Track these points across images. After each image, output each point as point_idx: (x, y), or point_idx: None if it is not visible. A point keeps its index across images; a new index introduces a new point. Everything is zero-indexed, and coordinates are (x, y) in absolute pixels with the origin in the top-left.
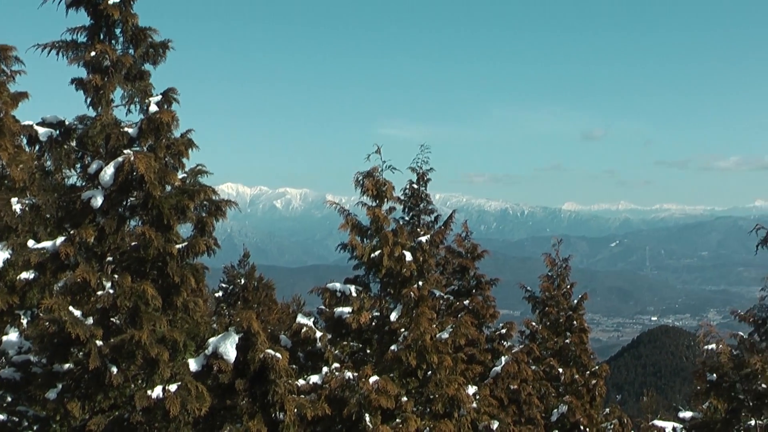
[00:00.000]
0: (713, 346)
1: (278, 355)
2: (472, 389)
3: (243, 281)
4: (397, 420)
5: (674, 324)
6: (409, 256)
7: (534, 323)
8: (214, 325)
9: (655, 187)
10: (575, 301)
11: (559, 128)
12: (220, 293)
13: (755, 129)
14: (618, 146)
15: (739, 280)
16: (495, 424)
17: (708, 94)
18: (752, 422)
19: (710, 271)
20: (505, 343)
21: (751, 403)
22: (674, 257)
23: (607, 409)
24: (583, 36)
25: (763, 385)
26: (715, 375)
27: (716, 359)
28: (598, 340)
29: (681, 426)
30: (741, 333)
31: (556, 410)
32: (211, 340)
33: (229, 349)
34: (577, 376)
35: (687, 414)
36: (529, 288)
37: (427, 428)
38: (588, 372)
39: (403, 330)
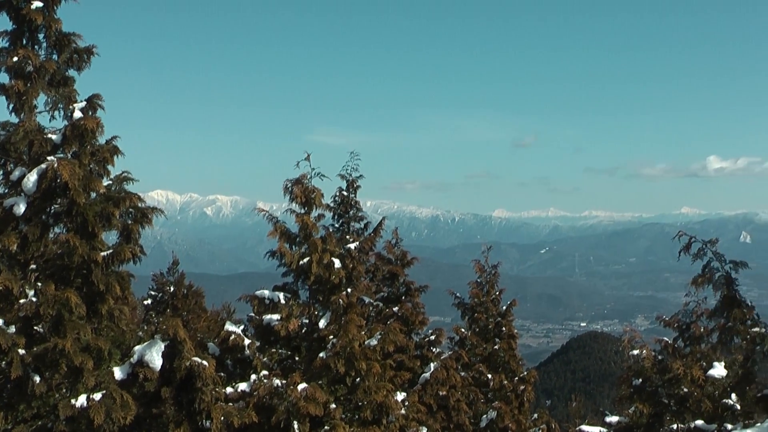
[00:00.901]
0: (638, 351)
1: (205, 362)
2: (400, 396)
3: (172, 289)
4: (326, 427)
5: (603, 330)
6: (338, 263)
7: (463, 330)
8: (140, 333)
9: (585, 194)
10: (504, 308)
11: (490, 136)
12: (149, 301)
13: (682, 137)
14: (548, 154)
15: (666, 286)
16: (423, 431)
17: (636, 103)
18: (675, 426)
19: (638, 277)
20: (434, 349)
21: (674, 408)
22: (603, 263)
23: (536, 415)
24: (514, 45)
25: (685, 389)
26: (639, 380)
27: (640, 364)
28: (528, 346)
29: (607, 430)
30: (666, 338)
31: (485, 416)
32: (137, 347)
33: (155, 356)
34: (505, 382)
35: (613, 418)
36: (458, 294)
37: None
38: (517, 378)
39: (331, 337)
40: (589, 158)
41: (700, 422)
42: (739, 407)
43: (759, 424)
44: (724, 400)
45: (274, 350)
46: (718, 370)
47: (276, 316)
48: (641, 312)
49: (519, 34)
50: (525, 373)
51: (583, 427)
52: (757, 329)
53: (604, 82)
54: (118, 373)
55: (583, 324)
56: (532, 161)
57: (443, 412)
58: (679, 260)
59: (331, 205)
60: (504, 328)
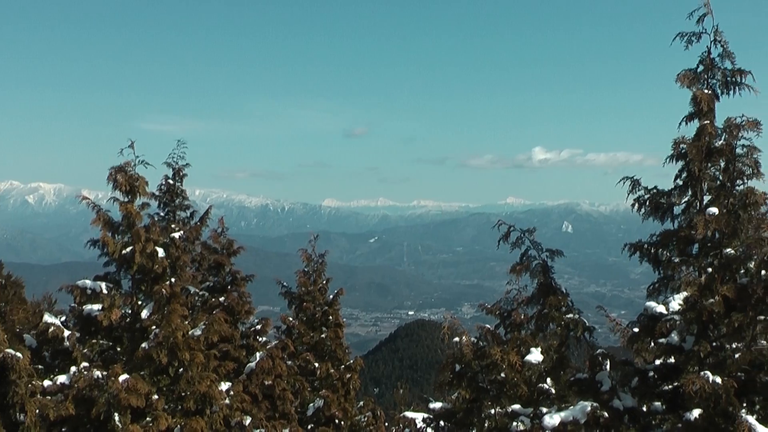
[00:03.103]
0: (459, 338)
1: (19, 354)
2: (225, 386)
3: None
4: (148, 419)
5: (430, 318)
6: (161, 253)
7: (290, 319)
8: None
9: (414, 184)
10: (331, 297)
11: (322, 125)
12: None
13: (509, 128)
14: (380, 144)
15: (492, 274)
16: (248, 420)
17: (465, 94)
18: (492, 411)
19: (465, 266)
20: (260, 339)
21: (493, 392)
22: (431, 253)
23: (362, 402)
24: (346, 34)
25: (503, 375)
26: (460, 366)
27: (460, 351)
28: (356, 335)
29: (430, 416)
30: (488, 325)
31: (311, 405)
32: None
33: None
34: (332, 371)
35: (437, 404)
36: (285, 284)
37: (178, 426)
38: (343, 366)
39: (154, 327)
40: (420, 149)
41: (517, 406)
42: (554, 391)
43: (572, 407)
44: (540, 385)
45: (95, 341)
46: (535, 355)
47: (97, 306)
48: (467, 300)
49: (353, 21)
50: (351, 361)
51: (407, 413)
52: (570, 315)
53: (435, 73)
54: None
55: (411, 312)
56: (363, 151)
57: (268, 401)
58: (498, 249)
59: (157, 193)
60: (331, 317)
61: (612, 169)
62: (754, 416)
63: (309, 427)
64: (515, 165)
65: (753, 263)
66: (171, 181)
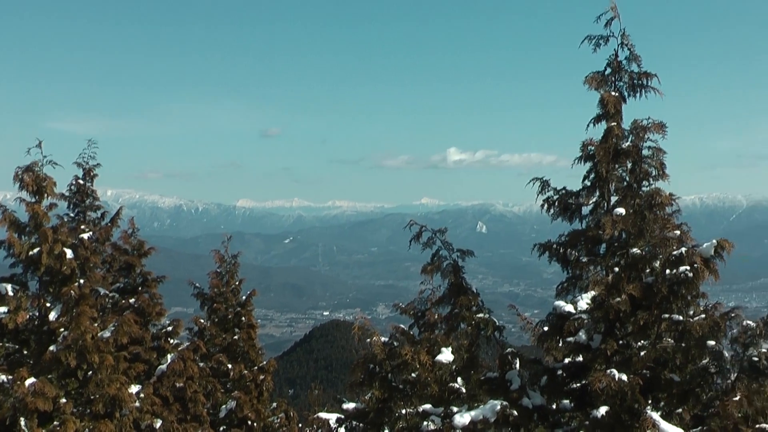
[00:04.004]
0: (376, 338)
1: None
2: (135, 388)
3: None
4: (55, 422)
5: (345, 318)
6: (70, 254)
7: (202, 320)
8: None
9: (329, 184)
10: (244, 298)
11: (237, 125)
12: None
13: (424, 129)
14: (295, 144)
15: (407, 274)
16: (158, 423)
17: (380, 96)
18: (404, 410)
19: (380, 267)
20: (171, 340)
21: (406, 392)
22: (346, 253)
23: (275, 404)
24: (260, 30)
25: (414, 375)
26: (373, 366)
27: (371, 351)
28: (271, 336)
29: (343, 416)
30: (402, 325)
31: (224, 406)
32: None
33: None
34: (245, 372)
35: (350, 405)
36: (198, 285)
37: (87, 429)
38: (256, 367)
39: (62, 330)
40: (335, 149)
41: (428, 406)
42: (464, 390)
43: (482, 406)
44: (450, 384)
45: (0, 344)
46: (446, 355)
47: (3, 309)
48: (382, 300)
49: (265, 16)
50: (265, 362)
51: (321, 414)
52: (481, 315)
53: (349, 73)
54: None
55: (326, 313)
56: (278, 151)
57: (180, 403)
58: (410, 249)
59: (66, 194)
60: (244, 318)
61: (526, 169)
62: (659, 412)
63: (221, 429)
64: (430, 166)
65: (658, 262)
66: (81, 182)
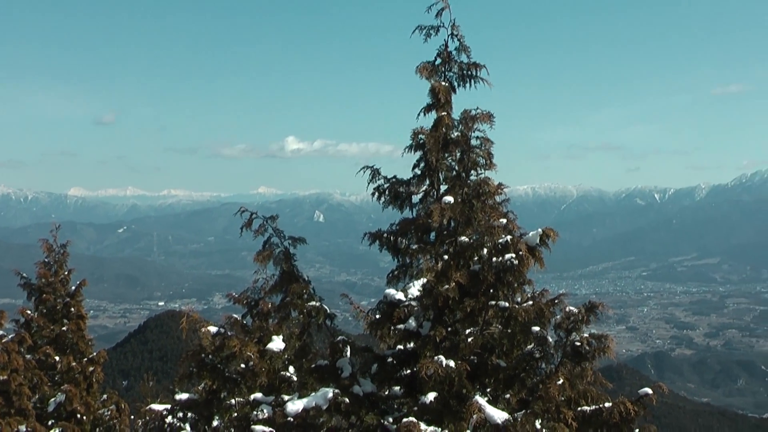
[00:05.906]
0: (204, 330)
1: None
2: None
3: None
4: None
5: (181, 308)
6: None
7: (29, 311)
8: None
9: (165, 173)
10: (74, 288)
11: (69, 112)
12: None
13: (261, 117)
14: (130, 132)
15: (243, 264)
16: None
17: (217, 84)
18: (233, 400)
19: (216, 256)
20: None
21: (237, 381)
22: (182, 243)
23: (105, 396)
24: (90, 12)
25: (242, 365)
26: (204, 356)
27: (200, 342)
28: (104, 327)
29: (176, 407)
30: (236, 315)
31: (53, 400)
32: None
33: None
34: (74, 364)
35: (183, 396)
36: (25, 275)
37: None
38: (86, 359)
39: None
40: (171, 138)
41: (258, 395)
42: (296, 378)
43: (314, 394)
44: (282, 373)
45: None
46: (277, 343)
47: None
48: (219, 290)
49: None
50: (95, 354)
51: (153, 405)
52: (312, 303)
53: (185, 59)
54: None
55: (161, 303)
56: (112, 139)
57: (3, 397)
58: (241, 236)
59: None
60: (73, 309)
61: (364, 159)
62: (486, 398)
63: (50, 423)
64: (268, 154)
65: (485, 250)
66: None
